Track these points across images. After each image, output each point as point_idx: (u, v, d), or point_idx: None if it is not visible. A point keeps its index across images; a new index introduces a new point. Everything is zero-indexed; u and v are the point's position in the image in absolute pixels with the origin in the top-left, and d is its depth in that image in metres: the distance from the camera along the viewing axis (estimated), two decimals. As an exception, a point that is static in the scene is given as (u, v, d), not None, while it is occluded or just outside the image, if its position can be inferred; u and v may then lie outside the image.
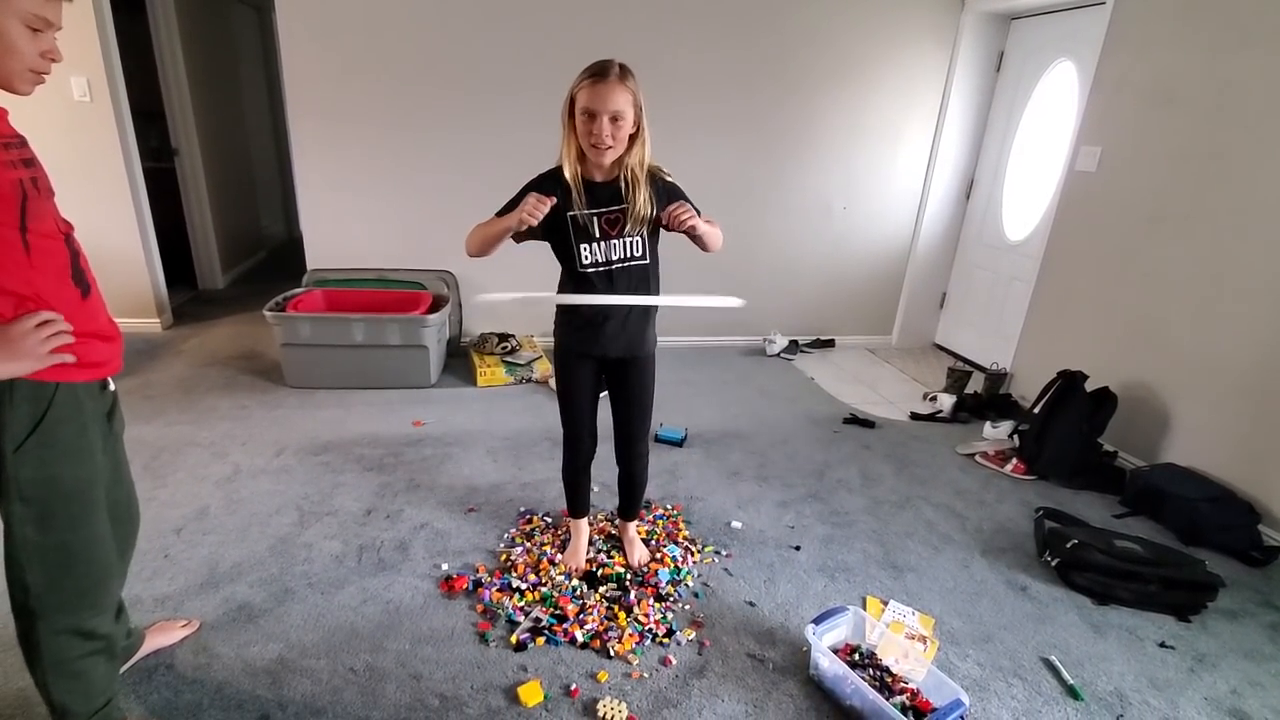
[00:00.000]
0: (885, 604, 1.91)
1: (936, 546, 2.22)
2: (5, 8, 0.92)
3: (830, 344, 4.29)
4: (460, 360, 3.54)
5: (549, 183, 1.56)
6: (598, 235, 1.56)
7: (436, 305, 3.30)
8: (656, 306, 1.71)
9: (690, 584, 1.94)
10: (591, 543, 2.06)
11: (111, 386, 1.21)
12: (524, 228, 1.47)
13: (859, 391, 3.60)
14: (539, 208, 1.44)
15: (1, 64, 0.96)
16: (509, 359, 3.42)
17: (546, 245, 1.64)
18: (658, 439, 2.81)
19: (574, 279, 1.62)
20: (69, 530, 1.09)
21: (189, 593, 1.76)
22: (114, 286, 3.64)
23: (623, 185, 1.56)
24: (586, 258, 1.58)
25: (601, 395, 1.84)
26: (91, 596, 1.16)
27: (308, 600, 1.77)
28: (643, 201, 1.54)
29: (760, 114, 3.70)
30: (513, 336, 3.56)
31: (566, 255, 1.61)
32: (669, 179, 1.64)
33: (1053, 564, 2.10)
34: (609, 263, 1.58)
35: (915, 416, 3.29)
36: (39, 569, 1.08)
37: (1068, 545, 2.08)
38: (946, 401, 3.33)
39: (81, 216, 3.38)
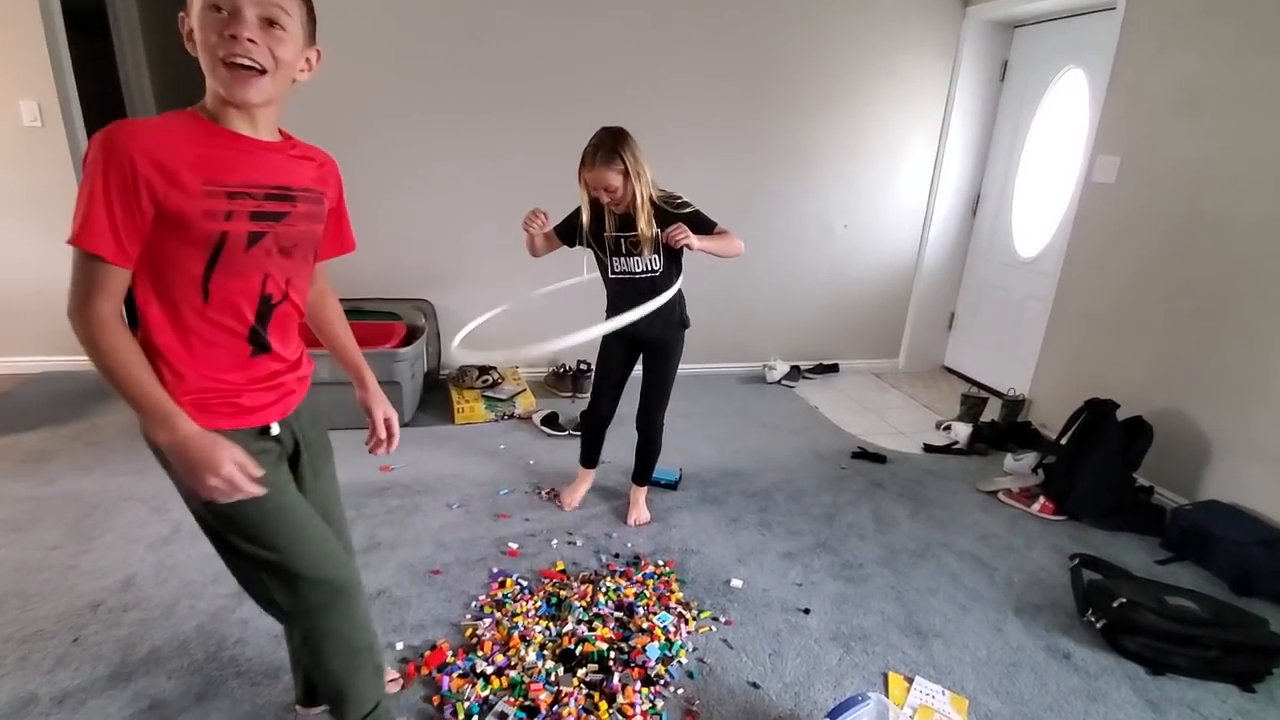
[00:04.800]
0: (910, 681, 1.66)
1: (964, 605, 1.96)
2: None
3: (834, 369, 4.06)
4: (438, 394, 3.30)
5: (577, 214, 2.04)
6: (624, 253, 2.01)
7: (411, 337, 3.08)
8: (680, 303, 2.11)
9: (684, 660, 1.68)
10: (570, 609, 1.80)
11: (275, 431, 1.13)
12: (528, 235, 2.02)
13: (866, 421, 3.36)
14: (531, 221, 1.97)
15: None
16: (490, 394, 3.18)
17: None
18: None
19: (608, 284, 2.10)
20: (281, 548, 1.10)
21: (94, 688, 1.50)
22: (65, 321, 3.43)
23: (632, 217, 1.95)
24: (615, 268, 2.04)
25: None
26: (329, 588, 1.17)
27: (234, 694, 1.51)
28: (643, 228, 1.93)
29: (756, 131, 3.51)
30: (494, 369, 3.32)
31: (603, 266, 2.08)
32: (680, 208, 1.96)
33: (1098, 625, 1.85)
34: (630, 273, 2.02)
35: (929, 449, 3.04)
36: (277, 587, 1.13)
37: (1114, 604, 1.82)
38: (962, 431, 3.09)
39: (31, 247, 3.20)
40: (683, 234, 1.81)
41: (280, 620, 1.25)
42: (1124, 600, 1.82)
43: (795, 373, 3.88)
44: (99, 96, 3.45)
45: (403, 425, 2.89)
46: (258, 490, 0.98)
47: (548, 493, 2.47)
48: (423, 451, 2.74)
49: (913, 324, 4.09)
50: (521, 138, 3.25)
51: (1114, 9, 2.83)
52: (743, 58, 3.37)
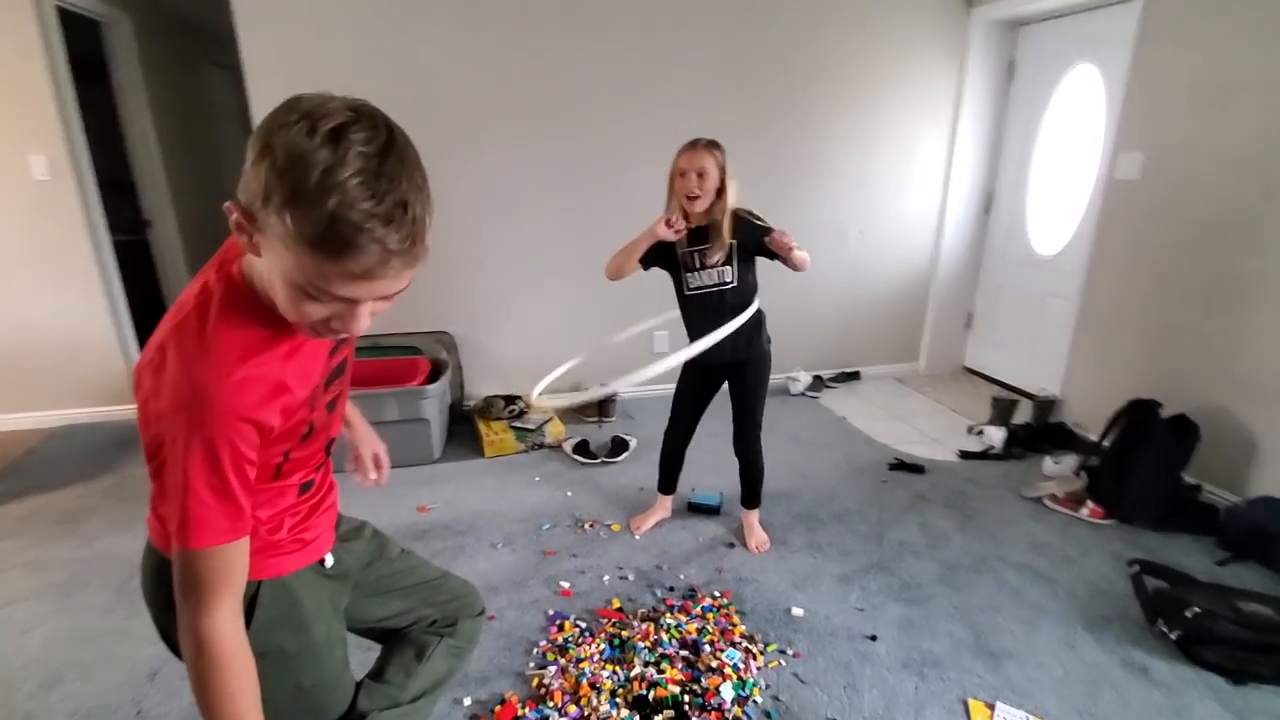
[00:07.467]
0: (992, 708, 1.62)
1: (1031, 622, 1.93)
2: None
3: (855, 376, 4.03)
4: (464, 427, 3.26)
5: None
6: (698, 266, 2.00)
7: (436, 371, 3.04)
8: (761, 316, 2.07)
9: (759, 700, 1.64)
10: (635, 650, 1.77)
11: (330, 563, 1.02)
12: (655, 240, 1.92)
13: (896, 429, 3.33)
14: (667, 228, 1.90)
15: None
16: (517, 424, 3.14)
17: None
18: (690, 506, 2.54)
19: (684, 300, 2.08)
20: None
21: (164, 765, 1.47)
22: (83, 372, 3.38)
23: (709, 229, 1.95)
24: (691, 283, 2.02)
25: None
26: None
27: (307, 764, 1.47)
28: (722, 241, 1.93)
29: (766, 141, 3.49)
30: (519, 398, 3.29)
31: (678, 282, 2.06)
32: (758, 222, 1.97)
33: (1172, 637, 1.82)
34: (705, 287, 2.01)
35: (966, 455, 3.01)
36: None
37: (1188, 614, 1.79)
38: (996, 435, 3.07)
39: (46, 301, 3.16)
40: (790, 238, 1.86)
41: None
42: (1198, 610, 1.79)
43: (818, 383, 3.86)
44: (102, 142, 3.41)
45: (433, 462, 2.91)
46: None
47: (590, 525, 2.44)
48: (459, 488, 2.70)
49: (932, 326, 4.07)
50: (523, 162, 3.22)
51: (1130, 1, 2.82)
52: (750, 69, 3.35)
